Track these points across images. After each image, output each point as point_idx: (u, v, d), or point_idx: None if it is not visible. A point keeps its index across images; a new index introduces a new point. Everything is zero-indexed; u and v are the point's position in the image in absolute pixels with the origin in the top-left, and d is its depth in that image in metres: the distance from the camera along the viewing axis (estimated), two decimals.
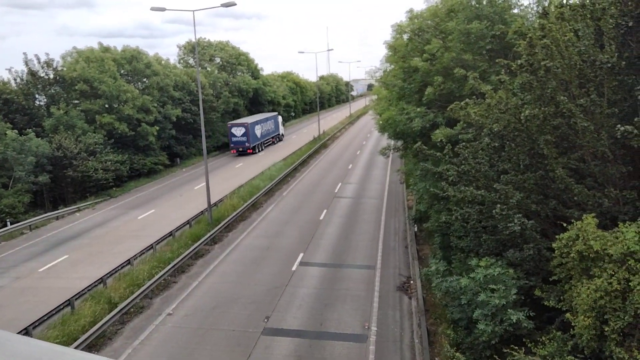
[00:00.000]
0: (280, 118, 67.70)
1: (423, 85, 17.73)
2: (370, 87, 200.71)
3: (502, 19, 15.98)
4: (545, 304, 9.28)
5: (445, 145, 12.13)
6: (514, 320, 9.16)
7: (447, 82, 16.46)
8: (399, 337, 15.69)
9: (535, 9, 16.13)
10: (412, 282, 19.83)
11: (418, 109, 17.62)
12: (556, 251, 8.24)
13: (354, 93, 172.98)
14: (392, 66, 26.06)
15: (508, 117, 10.29)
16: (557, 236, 8.35)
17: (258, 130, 56.35)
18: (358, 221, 28.50)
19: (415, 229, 25.28)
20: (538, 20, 14.00)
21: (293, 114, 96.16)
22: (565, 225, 8.50)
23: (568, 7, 10.11)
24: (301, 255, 22.84)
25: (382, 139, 64.56)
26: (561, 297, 8.72)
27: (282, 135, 67.82)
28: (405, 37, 20.82)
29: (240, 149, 54.32)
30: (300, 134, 74.30)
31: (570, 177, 9.33)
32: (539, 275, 10.58)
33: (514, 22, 15.46)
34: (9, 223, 28.65)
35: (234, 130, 54.00)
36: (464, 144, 11.86)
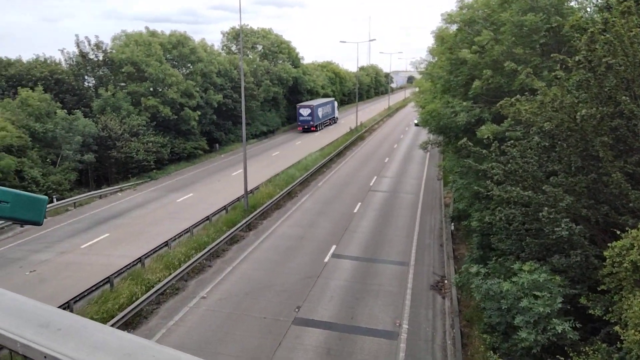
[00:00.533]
0: (336, 103, 76.54)
1: (470, 79, 17.12)
2: (410, 79, 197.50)
3: (558, 11, 15.16)
4: (591, 313, 8.80)
5: (492, 143, 11.65)
6: (559, 331, 8.73)
7: (496, 76, 15.81)
8: (431, 336, 15.39)
9: (594, 1, 15.22)
10: (446, 281, 19.40)
11: (464, 103, 17.04)
12: (607, 260, 7.76)
13: (393, 85, 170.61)
14: (436, 59, 25.40)
15: (562, 116, 9.75)
16: (609, 244, 7.86)
17: (320, 112, 66.12)
18: (393, 216, 28.12)
19: (452, 227, 24.70)
20: (600, 14, 13.20)
21: None
22: (618, 232, 7.99)
23: (634, 0, 9.42)
24: (334, 247, 22.75)
25: (420, 132, 63.62)
26: (609, 308, 8.24)
27: (337, 118, 75.82)
28: (453, 27, 20.16)
29: (306, 127, 64.60)
30: (337, 125, 73.95)
31: (626, 182, 8.76)
32: (584, 284, 10.06)
33: (571, 15, 14.65)
34: (55, 199, 29.87)
35: (301, 110, 64.47)
36: (512, 142, 11.35)
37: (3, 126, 28.18)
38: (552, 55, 11.92)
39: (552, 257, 10.88)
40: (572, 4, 15.83)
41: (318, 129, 65.52)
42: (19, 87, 33.48)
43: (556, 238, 9.52)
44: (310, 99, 76.10)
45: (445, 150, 27.14)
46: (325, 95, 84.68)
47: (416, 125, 27.73)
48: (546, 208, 9.55)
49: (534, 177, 10.65)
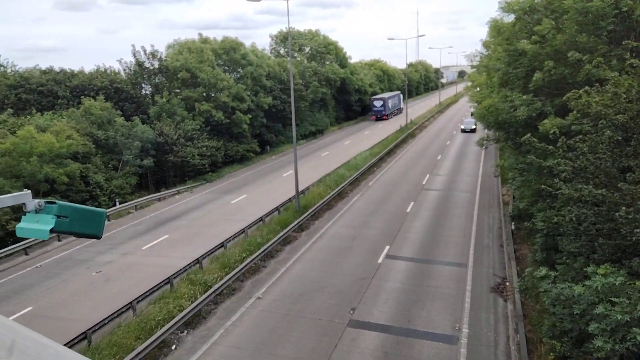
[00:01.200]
0: (401, 95, 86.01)
1: (530, 70, 16.21)
2: (461, 74, 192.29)
3: None
4: None
5: (559, 138, 10.94)
6: None
7: (558, 67, 14.88)
8: (493, 341, 14.73)
9: None
10: (507, 283, 18.55)
11: (524, 97, 16.17)
12: None
13: (443, 80, 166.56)
14: (489, 51, 24.36)
15: (638, 107, 8.97)
16: None
17: (390, 103, 76.93)
18: (448, 215, 27.31)
19: (513, 227, 23.63)
20: None
21: None
22: None
23: None
24: (387, 247, 22.37)
25: (469, 135, 61.62)
26: None
27: (402, 108, 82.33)
28: (508, 17, 19.23)
29: (378, 116, 75.52)
30: (386, 123, 73.05)
31: None
32: None
33: None
34: (117, 203, 31.32)
35: (375, 102, 75.97)
36: (581, 136, 10.60)
37: (69, 134, 29.85)
38: (623, 43, 11.02)
39: (628, 259, 10.06)
40: None
41: (389, 117, 76.18)
42: (82, 97, 35.41)
43: (636, 240, 8.76)
44: (359, 98, 77.94)
45: (504, 147, 25.98)
46: (374, 93, 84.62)
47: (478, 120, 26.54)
48: (624, 207, 8.82)
49: (607, 173, 9.88)
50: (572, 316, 9.85)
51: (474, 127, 57.30)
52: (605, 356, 8.58)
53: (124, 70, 42.15)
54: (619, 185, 9.22)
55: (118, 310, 15.89)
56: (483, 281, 18.86)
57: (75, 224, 2.41)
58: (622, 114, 9.63)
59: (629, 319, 8.29)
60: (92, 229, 2.50)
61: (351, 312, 16.42)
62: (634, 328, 8.25)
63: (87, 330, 14.68)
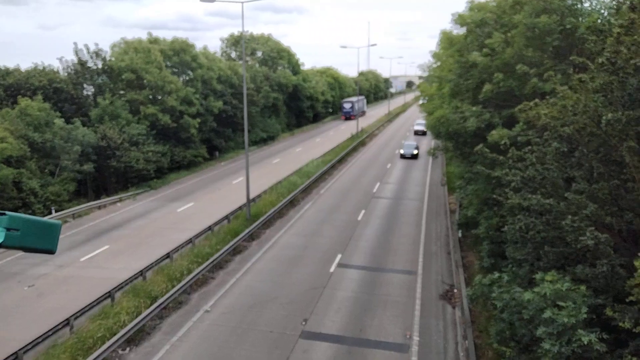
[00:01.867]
0: (365, 100, 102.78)
1: (480, 82, 16.71)
2: (409, 84, 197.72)
3: (572, 12, 14.78)
4: (620, 325, 8.33)
5: (509, 148, 11.21)
6: (585, 342, 8.25)
7: (507, 80, 15.40)
8: (443, 348, 14.89)
9: (609, 3, 14.84)
10: (455, 290, 18.91)
11: (473, 108, 16.62)
12: (638, 270, 7.31)
13: (392, 90, 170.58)
14: (438, 62, 24.98)
15: (584, 120, 9.33)
16: (638, 253, 7.41)
17: (356, 106, 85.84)
18: (398, 223, 27.65)
19: (460, 234, 24.22)
20: (617, 17, 12.82)
21: (331, 110, 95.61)
22: None
23: None
24: (339, 256, 22.26)
25: (422, 137, 63.24)
26: (639, 320, 7.77)
27: (365, 111, 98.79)
28: (458, 30, 19.76)
29: (347, 116, 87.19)
30: (337, 131, 73.65)
31: None
32: (608, 294, 9.60)
33: (585, 17, 14.28)
34: (53, 211, 29.37)
35: (345, 104, 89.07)
36: (529, 147, 10.92)
37: (3, 137, 27.72)
38: (571, 58, 11.50)
39: (572, 266, 10.42)
40: (586, 5, 15.45)
41: (356, 118, 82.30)
42: (18, 96, 33.06)
43: (580, 247, 9.06)
44: (311, 105, 79.26)
45: (452, 157, 26.67)
46: (325, 102, 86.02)
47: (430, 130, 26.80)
48: (569, 216, 9.10)
49: (554, 183, 10.21)
50: (522, 321, 10.06)
51: (415, 152, 49.10)
52: (552, 359, 8.77)
53: (65, 69, 39.85)
54: (565, 195, 9.51)
55: (53, 328, 14.71)
56: (432, 288, 19.12)
57: (28, 238, 2.07)
58: (568, 126, 9.98)
59: (574, 322, 8.53)
60: (46, 243, 2.18)
61: (303, 323, 16.10)
62: (579, 330, 8.49)
63: (19, 350, 13.46)
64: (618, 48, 8.65)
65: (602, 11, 14.78)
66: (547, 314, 9.17)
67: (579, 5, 15.20)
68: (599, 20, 12.90)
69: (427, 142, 52.51)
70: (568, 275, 10.02)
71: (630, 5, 9.65)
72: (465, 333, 15.52)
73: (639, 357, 8.29)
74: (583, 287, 9.32)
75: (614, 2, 14.32)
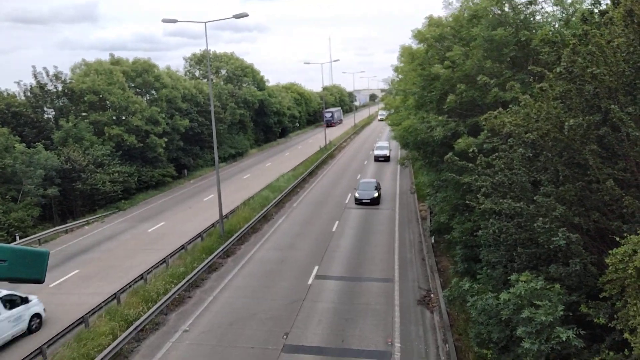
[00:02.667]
0: (341, 110, 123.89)
1: (444, 93, 17.37)
2: (372, 97, 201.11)
3: (526, 25, 15.66)
4: (595, 321, 8.80)
5: (478, 156, 11.73)
6: (564, 339, 8.67)
7: (469, 90, 16.09)
8: (424, 353, 15.17)
9: (559, 15, 15.81)
10: (432, 295, 19.31)
11: (439, 118, 17.24)
12: (610, 267, 7.80)
13: (357, 103, 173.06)
14: (401, 76, 25.76)
15: (547, 127, 9.90)
16: (609, 251, 7.91)
17: (335, 115, 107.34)
18: (372, 232, 28.03)
19: (432, 240, 24.78)
20: (568, 29, 13.68)
21: (298, 124, 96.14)
22: (617, 239, 8.06)
23: (613, 12, 9.77)
24: (316, 268, 22.37)
25: (384, 166, 64.37)
26: (614, 315, 8.25)
27: (342, 119, 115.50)
28: (420, 45, 20.48)
29: (329, 124, 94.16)
30: (305, 145, 74.08)
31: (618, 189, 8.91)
32: (581, 291, 10.11)
33: (538, 30, 15.15)
34: (18, 237, 28.30)
35: (326, 113, 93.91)
36: (497, 154, 11.46)
37: None
38: (530, 68, 12.19)
39: (544, 266, 10.91)
40: (538, 18, 16.39)
41: (335, 125, 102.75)
42: None
43: (552, 248, 9.54)
44: (278, 120, 79.73)
45: (421, 165, 27.35)
46: (292, 117, 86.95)
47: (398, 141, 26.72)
48: (540, 218, 9.59)
49: (522, 187, 10.73)
50: (499, 323, 10.43)
51: (376, 194, 34.62)
52: (533, 357, 9.15)
53: (24, 92, 38.70)
54: (534, 198, 10.03)
55: (26, 357, 14.17)
56: (410, 294, 19.46)
57: (15, 269, 2.03)
58: (532, 133, 10.55)
59: (552, 320, 8.94)
60: (34, 272, 2.13)
61: (284, 337, 16.08)
62: (557, 327, 8.90)
63: None
64: (574, 58, 9.28)
65: (553, 23, 15.73)
66: (525, 313, 9.56)
67: (532, 19, 16.12)
68: (551, 32, 13.72)
69: (392, 172, 48.01)
70: (542, 275, 10.51)
71: (582, 17, 10.36)
72: (445, 337, 15.86)
73: (615, 351, 8.71)
74: (557, 286, 9.79)
75: (563, 15, 15.28)
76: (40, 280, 2.24)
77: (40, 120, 37.84)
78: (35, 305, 17.33)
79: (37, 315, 17.27)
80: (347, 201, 35.94)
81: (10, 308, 16.29)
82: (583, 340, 9.22)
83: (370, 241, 26.38)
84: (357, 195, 34.73)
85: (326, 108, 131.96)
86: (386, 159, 53.66)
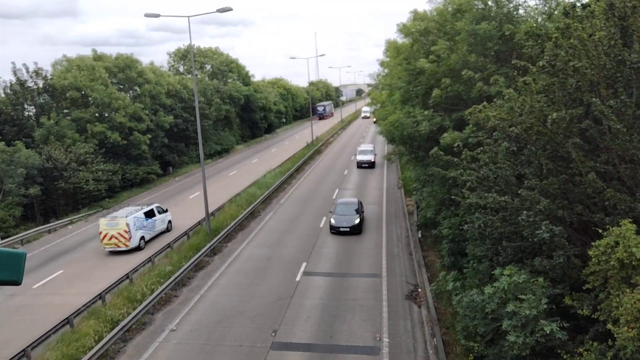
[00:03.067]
0: (332, 104, 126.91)
1: (429, 88, 17.40)
2: (359, 92, 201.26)
3: (509, 20, 15.73)
4: (579, 312, 8.90)
5: (463, 150, 11.76)
6: (548, 332, 8.75)
7: (454, 85, 16.13)
8: (413, 348, 15.23)
9: (542, 9, 15.89)
10: (420, 290, 19.41)
11: (425, 112, 17.26)
12: (593, 258, 7.87)
13: (343, 98, 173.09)
14: (386, 70, 25.77)
15: (530, 120, 9.95)
16: (592, 243, 7.99)
17: (327, 108, 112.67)
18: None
19: (419, 235, 24.89)
20: (551, 22, 13.76)
21: (284, 120, 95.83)
22: (600, 231, 8.14)
23: (595, 5, 9.84)
24: (304, 264, 22.32)
25: (376, 143, 64.50)
26: (597, 307, 8.35)
27: (333, 113, 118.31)
28: (402, 39, 20.46)
29: (321, 117, 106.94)
30: (292, 140, 73.86)
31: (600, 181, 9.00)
32: (565, 283, 10.21)
33: (521, 24, 15.22)
34: None
35: (318, 107, 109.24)
36: (482, 148, 11.50)
37: None
38: (513, 62, 12.24)
39: (529, 259, 11.00)
40: (521, 12, 16.48)
41: (327, 118, 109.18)
42: None
43: (537, 240, 9.62)
44: (264, 116, 79.22)
45: (407, 160, 27.41)
46: (278, 112, 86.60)
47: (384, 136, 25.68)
48: (525, 212, 9.65)
49: (507, 181, 10.79)
50: (485, 317, 10.51)
51: (357, 220, 26.90)
52: (519, 350, 9.23)
53: (3, 89, 37.89)
54: (519, 192, 10.09)
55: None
56: (397, 289, 19.52)
57: None
58: (516, 127, 10.60)
59: (536, 313, 9.02)
60: (10, 274, 2.06)
61: (273, 334, 16.02)
62: (541, 321, 8.98)
63: None
64: (556, 51, 9.33)
65: (536, 17, 15.82)
66: (510, 307, 9.63)
67: (515, 13, 16.20)
68: (535, 26, 13.78)
69: (379, 166, 46.13)
70: (527, 268, 10.60)
71: (564, 11, 10.41)
72: (433, 331, 15.95)
73: (599, 342, 8.82)
74: (541, 279, 9.87)
75: (546, 8, 15.38)
76: (17, 282, 2.17)
77: (20, 117, 37.12)
78: (169, 215, 28.54)
79: (170, 222, 28.48)
80: (334, 197, 35.91)
81: (160, 214, 27.25)
82: (567, 332, 9.33)
83: (358, 237, 26.38)
84: (332, 221, 26.73)
85: (316, 103, 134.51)
86: (371, 165, 46.22)
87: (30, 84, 38.60)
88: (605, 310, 7.95)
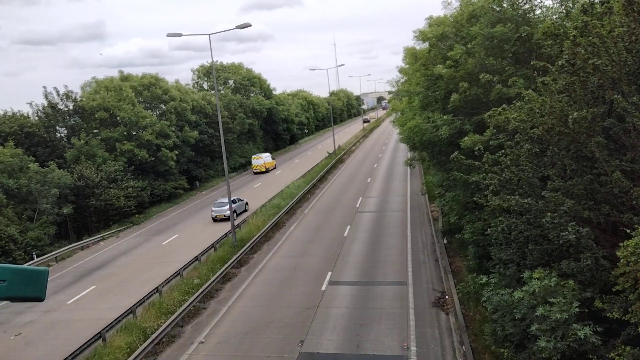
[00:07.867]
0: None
1: (447, 93, 17.30)
2: (380, 99, 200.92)
3: (526, 21, 15.55)
4: (609, 316, 8.64)
5: (484, 154, 11.63)
6: (581, 336, 8.50)
7: (472, 88, 16.00)
8: (441, 356, 15.01)
9: (559, 9, 15.66)
10: (447, 297, 19.13)
11: (444, 117, 17.16)
12: (622, 259, 7.66)
13: (364, 106, 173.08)
14: (405, 77, 25.72)
15: (551, 121, 9.79)
16: (620, 244, 7.77)
17: (371, 114, 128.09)
18: (383, 235, 27.90)
19: (445, 241, 24.58)
20: (570, 21, 13.53)
21: (306, 130, 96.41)
22: (628, 231, 7.92)
23: (613, 1, 9.67)
24: (329, 274, 22.32)
25: (398, 150, 64.16)
26: (628, 309, 8.09)
27: (374, 117, 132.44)
28: (423, 45, 20.44)
29: (366, 121, 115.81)
30: (315, 150, 74.18)
31: (627, 180, 8.76)
32: (595, 286, 9.93)
33: (540, 24, 15.02)
34: (35, 256, 28.74)
35: (364, 116, 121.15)
36: (503, 151, 11.36)
37: None
38: (532, 63, 12.09)
39: (556, 262, 10.75)
40: (537, 12, 16.27)
41: (370, 122, 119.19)
42: None
43: (563, 243, 9.41)
44: (286, 128, 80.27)
45: (429, 166, 27.20)
46: (300, 123, 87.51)
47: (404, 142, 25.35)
48: (549, 213, 9.47)
49: (530, 183, 10.61)
50: (514, 321, 10.30)
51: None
52: (549, 355, 9.00)
53: (36, 113, 39.47)
54: (542, 194, 9.91)
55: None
56: (424, 297, 19.29)
57: (15, 288, 2.08)
58: (537, 128, 10.44)
59: (567, 317, 8.79)
60: (34, 291, 2.18)
61: (300, 344, 16.05)
62: (573, 325, 8.75)
63: None
64: (576, 50, 9.19)
65: (553, 16, 15.58)
66: (540, 311, 9.41)
67: (531, 14, 16.00)
68: (553, 25, 13.57)
69: (402, 173, 46.74)
70: (554, 271, 10.35)
71: (582, 8, 10.26)
72: (461, 338, 15.68)
73: (631, 346, 8.53)
74: (571, 282, 9.62)
75: (562, 7, 15.14)
76: (40, 299, 2.30)
77: (52, 139, 38.53)
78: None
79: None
80: (358, 205, 35.88)
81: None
82: (599, 336, 9.05)
83: (383, 244, 26.26)
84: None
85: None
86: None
87: (61, 106, 40.11)
88: (636, 313, 7.70)
